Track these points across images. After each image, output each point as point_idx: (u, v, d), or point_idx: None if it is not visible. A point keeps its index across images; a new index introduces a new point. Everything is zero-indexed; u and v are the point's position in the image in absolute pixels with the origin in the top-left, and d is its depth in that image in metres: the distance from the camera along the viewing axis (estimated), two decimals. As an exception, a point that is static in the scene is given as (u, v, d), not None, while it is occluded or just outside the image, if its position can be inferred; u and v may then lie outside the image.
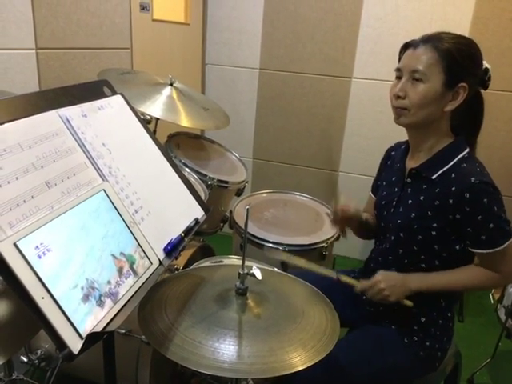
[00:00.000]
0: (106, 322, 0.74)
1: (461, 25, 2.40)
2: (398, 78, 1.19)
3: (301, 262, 1.31)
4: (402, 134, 1.31)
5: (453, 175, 1.15)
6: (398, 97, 1.16)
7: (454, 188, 1.13)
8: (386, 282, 1.19)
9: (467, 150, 1.20)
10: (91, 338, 0.69)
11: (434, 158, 1.21)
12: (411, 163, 1.27)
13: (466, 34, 2.34)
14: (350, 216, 1.36)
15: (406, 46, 1.19)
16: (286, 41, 2.73)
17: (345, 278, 1.27)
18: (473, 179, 1.10)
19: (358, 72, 2.67)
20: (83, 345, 0.67)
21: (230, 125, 2.00)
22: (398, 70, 1.19)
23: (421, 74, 1.12)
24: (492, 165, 2.60)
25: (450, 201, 1.13)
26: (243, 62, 2.86)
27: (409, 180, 1.26)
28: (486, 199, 1.10)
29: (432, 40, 1.13)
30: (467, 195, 1.10)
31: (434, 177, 1.18)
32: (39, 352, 1.43)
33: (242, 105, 2.95)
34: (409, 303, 1.19)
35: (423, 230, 1.19)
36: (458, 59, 1.11)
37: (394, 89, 1.18)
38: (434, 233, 1.17)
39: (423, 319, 1.24)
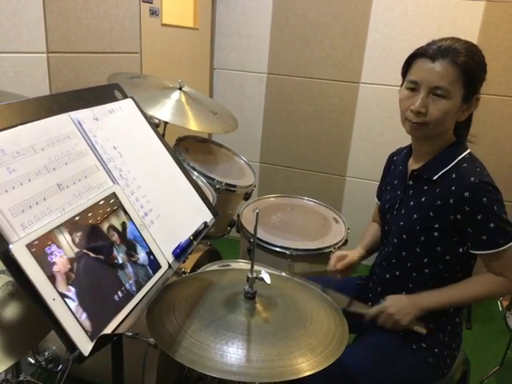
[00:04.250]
0: (116, 324, 0.74)
1: (470, 30, 2.39)
2: (411, 89, 1.15)
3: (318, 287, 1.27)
4: (409, 140, 1.31)
5: (453, 175, 1.15)
6: (419, 112, 1.13)
7: (454, 188, 1.13)
8: (394, 306, 1.18)
9: (468, 150, 1.20)
10: (101, 341, 0.69)
11: (435, 159, 1.21)
12: (413, 166, 1.28)
13: (475, 40, 2.38)
14: (348, 262, 1.41)
15: (417, 56, 1.15)
16: (294, 46, 2.74)
17: (353, 309, 1.24)
18: (472, 179, 1.10)
19: (365, 77, 2.67)
20: (93, 347, 0.68)
21: (237, 129, 2.01)
22: (414, 82, 1.14)
23: (444, 91, 1.10)
24: (501, 171, 2.59)
25: (451, 200, 1.13)
26: (251, 66, 2.87)
27: (410, 182, 1.26)
28: (485, 198, 1.10)
29: (449, 53, 1.09)
30: (467, 194, 1.10)
31: (435, 177, 1.19)
32: (46, 353, 1.43)
33: (250, 109, 2.96)
34: (421, 330, 1.16)
35: (425, 231, 1.19)
36: (477, 73, 1.12)
37: (408, 102, 1.15)
38: (436, 234, 1.17)
39: (431, 325, 1.23)
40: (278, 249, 1.75)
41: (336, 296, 1.23)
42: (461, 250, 1.18)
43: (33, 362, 1.41)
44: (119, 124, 1.00)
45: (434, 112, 1.12)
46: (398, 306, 1.18)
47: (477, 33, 2.40)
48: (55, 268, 0.68)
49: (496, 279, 1.16)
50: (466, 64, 1.09)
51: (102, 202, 0.83)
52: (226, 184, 1.89)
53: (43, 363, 1.41)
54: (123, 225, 0.86)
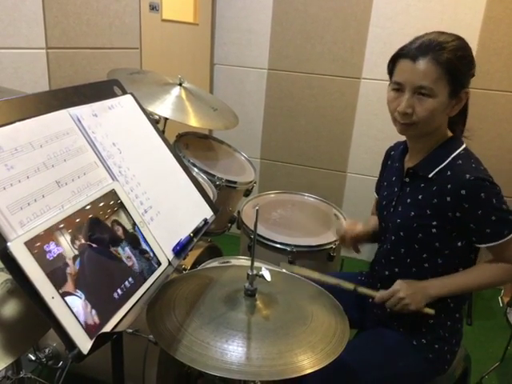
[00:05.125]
0: (116, 322, 0.74)
1: (472, 25, 2.38)
2: (397, 90, 1.16)
3: (316, 275, 1.27)
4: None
5: (448, 173, 1.15)
6: (405, 114, 1.13)
7: (450, 186, 1.13)
8: (405, 290, 1.17)
9: (463, 146, 1.20)
10: (101, 339, 0.69)
11: (430, 157, 1.20)
12: (409, 163, 1.27)
13: (477, 34, 2.36)
14: (357, 233, 1.42)
15: (400, 56, 1.15)
16: (294, 41, 2.73)
17: (362, 290, 1.25)
18: (467, 176, 1.10)
19: (367, 72, 2.65)
20: (93, 345, 0.67)
21: (237, 125, 2.00)
22: (398, 83, 1.15)
23: (428, 90, 1.09)
24: (502, 166, 2.58)
25: (448, 198, 1.13)
26: (252, 62, 2.86)
27: (407, 179, 1.26)
28: (482, 194, 1.09)
29: (430, 51, 1.09)
30: (463, 192, 1.10)
31: (430, 175, 1.18)
32: (47, 350, 1.43)
33: (250, 105, 2.95)
34: (430, 311, 1.17)
35: (423, 229, 1.18)
36: (461, 68, 1.10)
37: (395, 103, 1.15)
38: (434, 230, 1.17)
39: (431, 321, 1.23)
40: (278, 245, 1.75)
41: (342, 282, 1.26)
42: (459, 244, 1.18)
43: (33, 358, 1.41)
44: (118, 120, 0.99)
45: (420, 112, 1.12)
46: (409, 290, 1.17)
47: (479, 27, 2.38)
48: (54, 266, 0.68)
49: (506, 266, 1.16)
50: (448, 61, 1.08)
51: (101, 199, 0.82)
52: (227, 180, 1.89)
53: (43, 360, 1.41)
54: (122, 222, 0.85)
